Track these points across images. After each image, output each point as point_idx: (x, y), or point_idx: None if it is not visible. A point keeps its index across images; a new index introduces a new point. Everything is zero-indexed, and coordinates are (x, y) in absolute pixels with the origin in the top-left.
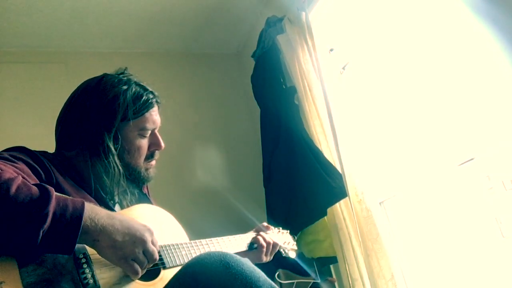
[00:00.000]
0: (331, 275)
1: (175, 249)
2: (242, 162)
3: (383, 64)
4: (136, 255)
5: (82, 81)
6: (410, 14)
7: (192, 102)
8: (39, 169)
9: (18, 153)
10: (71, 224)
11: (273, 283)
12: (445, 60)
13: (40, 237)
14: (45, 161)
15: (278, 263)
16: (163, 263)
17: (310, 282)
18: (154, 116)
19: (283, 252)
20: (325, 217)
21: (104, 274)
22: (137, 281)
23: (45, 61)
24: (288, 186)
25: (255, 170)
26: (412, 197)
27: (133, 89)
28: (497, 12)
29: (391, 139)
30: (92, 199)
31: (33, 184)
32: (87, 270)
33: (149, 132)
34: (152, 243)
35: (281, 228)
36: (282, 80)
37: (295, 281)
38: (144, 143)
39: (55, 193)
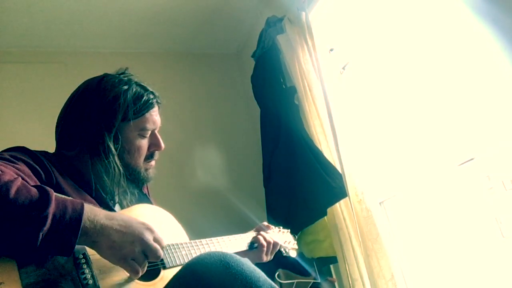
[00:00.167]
0: (331, 275)
1: (175, 249)
2: (242, 162)
3: (383, 64)
4: (135, 255)
5: (82, 81)
6: (410, 14)
7: (192, 102)
8: (39, 169)
9: (18, 154)
10: (70, 226)
11: (273, 283)
12: (445, 60)
13: (39, 239)
14: (45, 161)
15: (278, 263)
16: (163, 263)
17: (310, 282)
18: (155, 116)
19: (283, 252)
20: (325, 217)
21: (103, 274)
22: (137, 281)
23: (45, 61)
24: (288, 186)
25: (255, 170)
26: (412, 197)
27: (134, 89)
28: (497, 12)
29: (391, 139)
30: (92, 199)
31: (32, 186)
32: (86, 271)
33: (149, 132)
34: (155, 240)
35: (281, 227)
36: (282, 80)
37: (295, 281)
38: (144, 143)
39: (54, 194)
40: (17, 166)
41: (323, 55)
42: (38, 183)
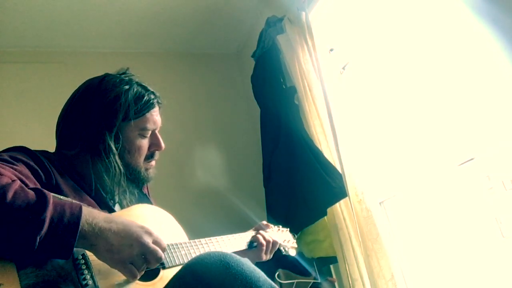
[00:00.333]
0: (331, 275)
1: (174, 249)
2: (242, 162)
3: (383, 64)
4: (134, 258)
5: (82, 81)
6: (410, 14)
7: (192, 102)
8: (39, 170)
9: (18, 154)
10: (68, 230)
11: (273, 283)
12: (445, 60)
13: (37, 242)
14: (45, 161)
15: (278, 263)
16: (162, 263)
17: (310, 282)
18: (155, 116)
19: (283, 250)
20: (325, 217)
21: (103, 275)
22: (136, 281)
23: (44, 61)
24: (288, 186)
25: (255, 170)
26: (412, 197)
27: (135, 89)
28: (497, 12)
29: (391, 139)
30: (91, 199)
31: (30, 189)
32: (86, 272)
33: (150, 132)
34: (154, 242)
35: (281, 226)
36: (282, 80)
37: (295, 281)
38: (144, 143)
39: (52, 197)
40: (16, 167)
41: (323, 55)
42: (37, 185)
